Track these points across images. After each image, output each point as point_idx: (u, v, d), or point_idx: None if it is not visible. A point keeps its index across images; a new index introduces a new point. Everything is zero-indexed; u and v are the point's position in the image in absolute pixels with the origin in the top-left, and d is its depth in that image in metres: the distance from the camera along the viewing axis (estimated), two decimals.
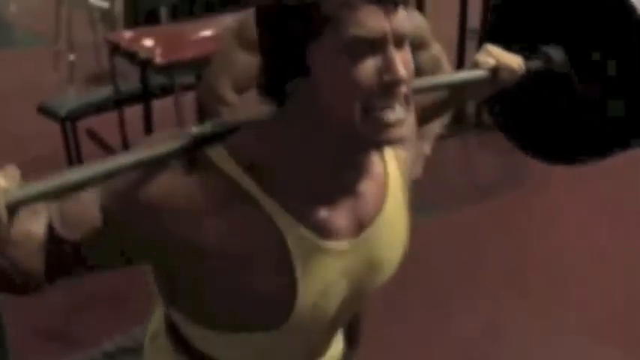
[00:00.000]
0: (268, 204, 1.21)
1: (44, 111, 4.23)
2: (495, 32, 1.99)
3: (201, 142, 1.25)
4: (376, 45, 1.14)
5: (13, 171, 1.09)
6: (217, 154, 1.23)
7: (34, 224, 1.20)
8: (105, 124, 4.32)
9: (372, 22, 1.12)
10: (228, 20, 2.45)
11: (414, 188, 3.34)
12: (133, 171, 1.21)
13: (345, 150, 1.23)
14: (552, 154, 2.11)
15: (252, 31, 1.23)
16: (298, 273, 1.24)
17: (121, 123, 4.25)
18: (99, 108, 4.11)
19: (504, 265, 3.86)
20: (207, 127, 1.25)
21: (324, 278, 1.28)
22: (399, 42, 1.16)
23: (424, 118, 1.66)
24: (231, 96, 2.23)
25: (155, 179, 1.20)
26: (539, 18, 1.97)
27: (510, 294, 3.67)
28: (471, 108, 5.59)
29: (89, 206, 1.22)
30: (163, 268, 1.29)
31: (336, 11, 1.11)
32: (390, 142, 1.23)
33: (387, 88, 1.15)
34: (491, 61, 1.64)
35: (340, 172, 1.27)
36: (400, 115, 1.18)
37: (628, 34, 1.84)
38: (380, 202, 1.34)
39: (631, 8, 1.82)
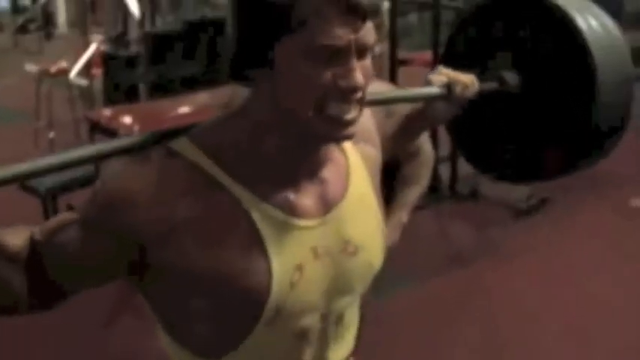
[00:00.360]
0: (234, 188, 1.25)
1: (26, 187, 4.28)
2: (450, 61, 2.06)
3: (165, 134, 1.31)
4: (339, 53, 1.18)
5: None
6: (180, 145, 1.26)
7: (11, 236, 1.25)
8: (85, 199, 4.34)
9: (340, 32, 1.17)
10: (205, 97, 2.53)
11: (390, 258, 3.39)
12: (94, 162, 1.27)
13: (304, 140, 1.28)
14: (514, 174, 2.18)
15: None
16: (270, 249, 1.26)
17: None
18: (79, 184, 4.15)
19: (479, 333, 3.89)
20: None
21: (296, 254, 1.29)
22: (361, 52, 1.22)
23: (394, 144, 1.72)
24: None
25: (124, 174, 1.25)
26: (493, 44, 2.07)
27: None
28: (445, 179, 5.68)
29: (68, 216, 1.27)
30: (144, 273, 1.28)
31: (308, 16, 1.16)
32: (342, 139, 1.28)
33: (343, 92, 1.21)
34: (443, 78, 1.69)
35: (302, 159, 1.31)
36: (353, 114, 1.24)
37: (573, 57, 1.93)
38: (343, 188, 1.37)
39: (575, 31, 1.92)
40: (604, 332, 3.87)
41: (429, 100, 1.71)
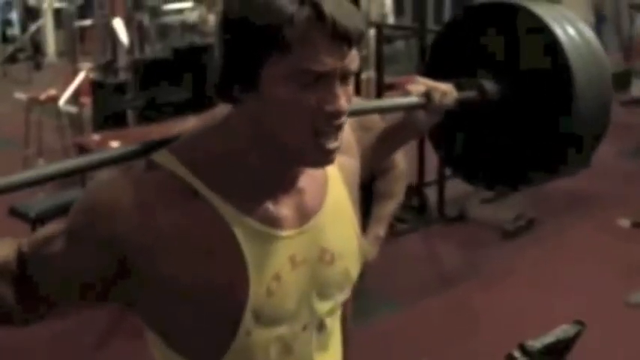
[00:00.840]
0: (213, 199, 1.27)
1: (15, 213, 4.31)
2: (432, 71, 2.09)
3: (150, 147, 1.34)
4: (324, 78, 1.20)
5: None
6: (161, 157, 1.29)
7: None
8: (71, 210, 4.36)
9: (326, 59, 1.19)
10: (193, 122, 2.54)
11: (378, 280, 3.39)
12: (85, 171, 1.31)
13: (283, 159, 1.30)
14: (497, 181, 2.21)
15: None
16: (248, 259, 1.28)
17: None
18: (68, 209, 4.15)
19: (466, 356, 3.90)
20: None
21: (274, 263, 1.32)
22: (345, 77, 1.24)
23: (375, 156, 1.76)
24: None
25: (107, 186, 1.27)
26: (474, 53, 2.10)
27: None
28: (433, 201, 5.71)
29: (55, 227, 1.29)
30: (128, 287, 1.29)
31: (295, 41, 1.17)
32: (323, 166, 1.33)
33: (327, 117, 1.23)
34: (421, 88, 1.72)
35: (280, 172, 1.33)
36: (336, 143, 1.27)
37: (551, 64, 1.97)
38: (321, 198, 1.40)
39: (553, 39, 1.95)
40: (593, 353, 3.89)
41: (408, 109, 1.74)
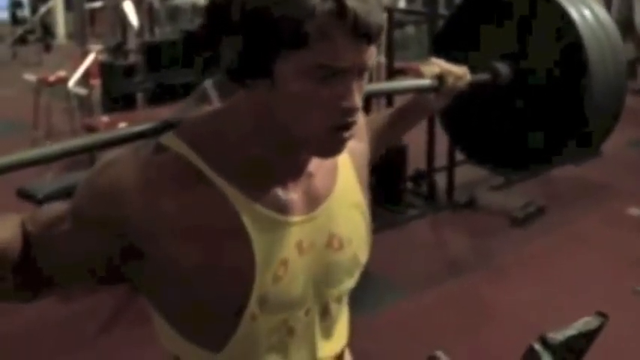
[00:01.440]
0: (220, 183, 1.25)
1: (23, 194, 4.29)
2: (443, 52, 2.07)
3: (163, 126, 1.34)
4: (341, 73, 1.18)
5: None
6: (169, 139, 1.28)
7: (1, 225, 1.25)
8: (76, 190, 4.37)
9: (345, 55, 1.17)
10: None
11: (386, 266, 3.38)
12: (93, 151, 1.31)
13: (292, 147, 1.29)
14: (501, 162, 2.20)
15: None
16: (255, 245, 1.26)
17: None
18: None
19: (474, 344, 3.89)
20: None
21: (281, 249, 1.30)
22: (360, 72, 1.21)
23: (385, 137, 1.74)
24: None
25: (113, 166, 1.25)
26: (486, 35, 2.08)
27: None
28: (442, 188, 5.69)
29: (60, 207, 1.27)
30: (135, 269, 1.29)
31: (313, 35, 1.15)
32: (338, 155, 1.30)
33: (342, 113, 1.22)
34: (436, 69, 1.70)
35: (289, 158, 1.32)
36: (351, 133, 1.26)
37: (566, 47, 1.95)
38: (331, 183, 1.39)
39: (568, 22, 1.93)
40: (601, 343, 3.86)
41: (421, 91, 1.72)
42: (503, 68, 1.96)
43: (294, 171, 1.34)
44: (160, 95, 6.51)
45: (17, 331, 3.88)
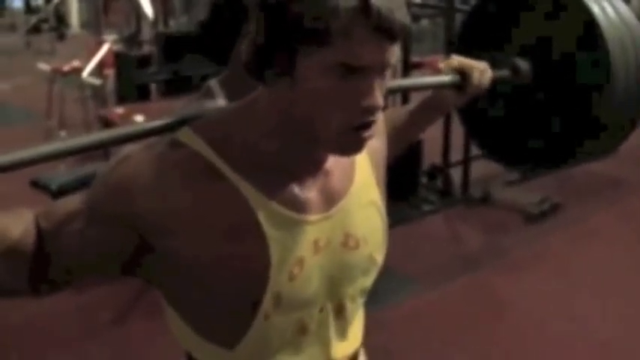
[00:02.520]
0: (237, 180, 1.23)
1: (37, 185, 4.29)
2: (463, 48, 2.05)
3: (179, 122, 1.32)
4: (363, 72, 1.16)
5: None
6: (185, 135, 1.26)
7: (14, 222, 1.23)
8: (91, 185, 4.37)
9: (367, 53, 1.14)
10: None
11: (400, 260, 3.36)
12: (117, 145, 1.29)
13: (312, 145, 1.26)
14: (517, 159, 2.18)
15: None
16: (271, 244, 1.25)
17: None
18: (90, 182, 4.13)
19: (487, 340, 3.86)
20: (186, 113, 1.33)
21: (297, 248, 1.28)
22: (382, 71, 1.19)
23: (404, 135, 1.71)
24: None
25: (128, 162, 1.23)
26: (506, 31, 2.06)
27: None
28: (457, 183, 5.66)
29: (74, 202, 1.25)
30: (149, 260, 1.27)
31: (337, 33, 1.12)
32: (357, 154, 1.27)
33: (363, 112, 1.19)
34: (456, 64, 1.68)
35: (307, 156, 1.29)
36: (371, 132, 1.23)
37: (588, 45, 1.92)
38: (348, 181, 1.36)
39: (591, 20, 1.90)
40: (617, 341, 3.84)
41: (442, 88, 1.70)
42: (524, 65, 1.93)
43: (312, 169, 1.31)
44: (175, 86, 6.49)
45: (29, 321, 3.88)
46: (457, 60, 1.70)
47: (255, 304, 1.27)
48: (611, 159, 5.40)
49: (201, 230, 1.22)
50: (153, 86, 6.76)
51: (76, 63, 6.70)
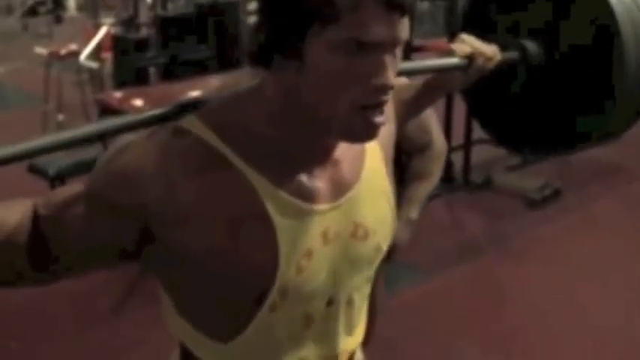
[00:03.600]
0: (244, 169, 1.20)
1: (34, 170, 4.26)
2: (472, 21, 2.01)
3: (181, 109, 1.28)
4: (374, 49, 1.13)
5: None
6: (190, 122, 1.22)
7: (9, 212, 1.20)
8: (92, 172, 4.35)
9: (377, 28, 1.11)
10: (216, 81, 2.47)
11: (401, 249, 3.35)
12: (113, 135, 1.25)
13: (321, 132, 1.23)
14: (520, 143, 2.15)
15: None
16: (279, 235, 1.21)
17: None
18: (87, 167, 4.10)
19: (489, 326, 3.84)
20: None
21: (306, 239, 1.25)
22: (393, 47, 1.16)
23: (408, 111, 1.66)
24: None
25: (131, 150, 1.19)
26: (515, 12, 2.02)
27: (498, 357, 3.65)
28: (458, 168, 5.63)
29: (74, 190, 1.22)
30: (151, 249, 1.24)
31: (344, 10, 1.10)
32: (370, 141, 1.23)
33: (374, 90, 1.16)
34: (467, 49, 1.64)
35: (316, 143, 1.26)
36: (383, 118, 1.19)
37: (599, 28, 1.88)
38: (358, 170, 1.33)
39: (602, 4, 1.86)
40: (617, 326, 3.82)
41: (449, 70, 1.66)
42: (533, 47, 1.89)
43: (320, 157, 1.28)
44: (173, 70, 6.44)
45: (29, 305, 3.85)
46: (467, 41, 1.66)
47: (261, 296, 1.23)
48: (612, 145, 5.37)
49: (208, 220, 1.18)
50: (151, 70, 6.71)
51: (73, 46, 6.65)
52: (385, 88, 1.16)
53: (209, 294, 1.24)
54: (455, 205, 5.46)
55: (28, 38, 10.63)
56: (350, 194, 1.30)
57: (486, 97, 2.17)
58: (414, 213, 2.38)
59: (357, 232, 1.32)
